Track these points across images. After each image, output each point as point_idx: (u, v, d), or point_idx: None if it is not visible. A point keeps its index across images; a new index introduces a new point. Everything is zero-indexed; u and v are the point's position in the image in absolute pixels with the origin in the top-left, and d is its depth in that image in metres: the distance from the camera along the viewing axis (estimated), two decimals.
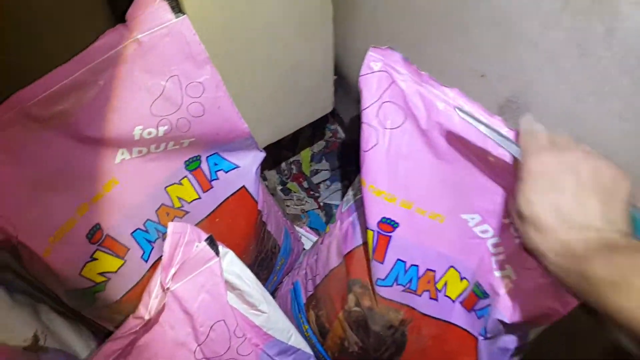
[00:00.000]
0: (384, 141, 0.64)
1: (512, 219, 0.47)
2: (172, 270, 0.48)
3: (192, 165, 0.74)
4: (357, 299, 0.80)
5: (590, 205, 0.41)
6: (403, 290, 0.76)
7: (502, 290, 0.66)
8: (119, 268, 0.70)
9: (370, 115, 0.63)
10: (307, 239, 1.18)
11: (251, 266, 0.90)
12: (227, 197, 0.79)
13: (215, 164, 0.76)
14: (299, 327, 1.00)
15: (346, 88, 1.00)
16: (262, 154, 0.80)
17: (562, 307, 0.58)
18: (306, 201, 1.22)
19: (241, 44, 0.71)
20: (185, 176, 0.74)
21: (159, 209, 0.73)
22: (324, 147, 1.29)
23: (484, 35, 0.60)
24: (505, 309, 0.65)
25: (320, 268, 0.93)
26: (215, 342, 0.52)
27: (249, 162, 0.79)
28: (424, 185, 0.66)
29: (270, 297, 0.60)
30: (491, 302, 0.69)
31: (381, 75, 0.60)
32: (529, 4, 0.54)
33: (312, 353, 0.69)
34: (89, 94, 0.58)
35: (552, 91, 0.55)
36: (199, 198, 0.76)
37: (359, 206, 0.79)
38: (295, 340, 0.65)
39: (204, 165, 0.75)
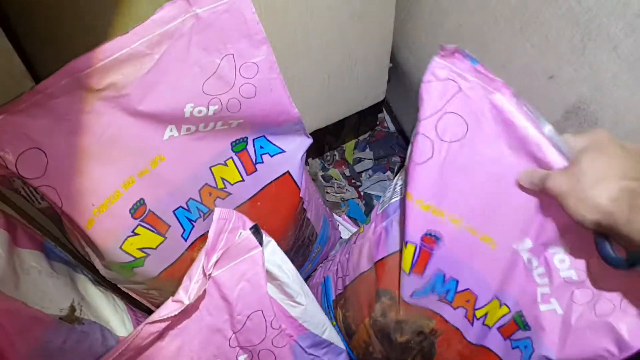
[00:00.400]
0: (440, 154, 0.59)
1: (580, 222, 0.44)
2: (215, 257, 0.47)
3: (239, 146, 0.73)
4: (385, 310, 0.77)
5: None
6: (439, 300, 0.73)
7: (548, 325, 0.63)
8: (158, 245, 0.70)
9: (428, 126, 0.58)
10: (345, 228, 1.16)
11: (288, 252, 0.90)
12: (271, 182, 0.78)
13: (262, 147, 0.75)
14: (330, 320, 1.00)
15: (400, 77, 0.96)
16: (309, 140, 0.78)
17: (619, 350, 0.54)
18: (347, 189, 1.20)
19: (298, 26, 0.69)
20: (231, 157, 0.73)
21: (202, 188, 0.72)
22: (369, 136, 1.26)
23: (560, 33, 0.56)
24: (552, 345, 0.62)
25: (350, 269, 0.91)
26: (251, 332, 0.51)
27: (296, 147, 0.77)
28: (478, 203, 0.61)
29: (308, 290, 0.58)
30: (532, 336, 0.65)
31: (446, 84, 0.55)
32: (616, 4, 0.50)
33: (344, 348, 0.67)
34: (144, 68, 0.57)
35: (627, 101, 0.51)
36: (242, 180, 0.75)
37: (395, 211, 0.75)
38: (330, 334, 0.63)
39: (250, 148, 0.74)
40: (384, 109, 1.26)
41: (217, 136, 0.69)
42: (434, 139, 0.58)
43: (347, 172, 1.22)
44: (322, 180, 1.20)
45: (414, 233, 0.66)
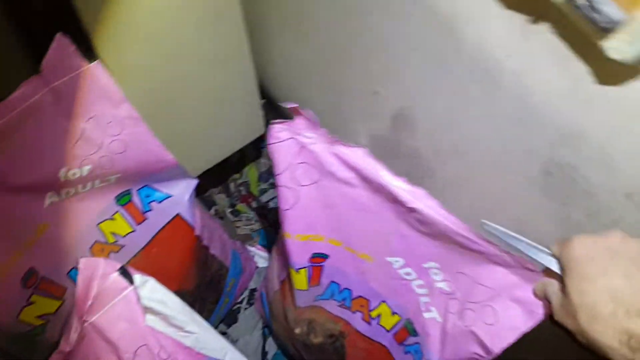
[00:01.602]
0: (303, 197, 0.66)
1: (562, 321, 0.43)
2: (89, 303, 0.52)
3: (123, 199, 0.77)
4: (293, 321, 0.84)
5: None
6: (339, 305, 0.80)
7: (431, 331, 0.70)
8: (57, 309, 0.72)
9: (285, 179, 0.65)
10: (260, 257, 1.21)
11: (196, 289, 0.94)
12: (163, 227, 0.82)
13: (147, 196, 0.79)
14: (271, 331, 1.04)
15: (278, 109, 1.04)
16: (194, 181, 0.83)
17: (486, 353, 0.61)
18: (255, 221, 1.25)
19: (160, 79, 0.75)
20: (117, 211, 0.77)
21: (92, 246, 0.76)
22: (269, 167, 1.33)
23: (373, 59, 0.65)
24: (436, 350, 0.69)
25: (269, 286, 0.97)
26: None
27: (181, 190, 0.82)
28: (349, 230, 0.68)
29: (201, 319, 0.63)
30: (420, 341, 0.72)
31: (290, 142, 0.62)
32: (399, 31, 0.60)
33: None
34: (11, 144, 0.61)
35: (429, 103, 0.61)
36: (134, 231, 0.79)
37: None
38: (232, 357, 0.68)
39: (136, 199, 0.79)
40: None
41: (98, 194, 0.74)
42: (294, 187, 0.65)
43: (255, 204, 1.28)
44: (231, 216, 1.25)
45: (301, 260, 0.73)
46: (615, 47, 0.35)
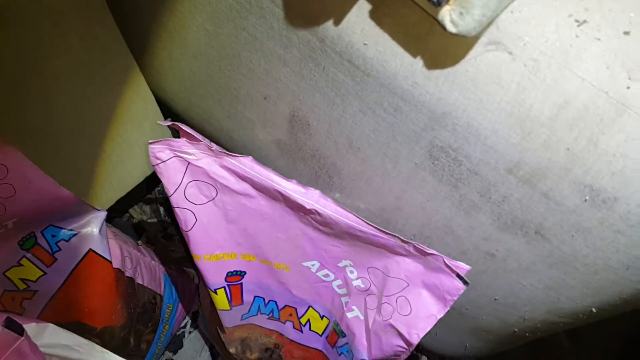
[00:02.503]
0: (203, 216, 0.64)
1: None
2: None
3: (28, 243, 0.73)
4: (226, 344, 0.82)
5: None
6: (268, 318, 0.78)
7: (356, 330, 0.70)
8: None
9: (179, 200, 0.62)
10: None
11: (128, 323, 0.90)
12: (76, 265, 0.78)
13: (53, 236, 0.75)
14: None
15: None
16: (102, 213, 0.79)
17: (407, 345, 0.61)
18: None
19: (48, 114, 0.71)
20: (23, 256, 0.73)
21: (1, 296, 0.72)
22: None
23: (254, 62, 0.64)
24: (363, 348, 0.69)
25: (204, 309, 0.94)
26: None
27: (89, 225, 0.78)
28: (259, 241, 0.67)
29: (113, 356, 0.60)
30: (349, 342, 0.72)
31: (174, 162, 0.59)
32: (270, 32, 0.59)
33: None
34: None
35: (314, 101, 0.60)
36: (45, 274, 0.75)
37: None
38: None
39: (41, 240, 0.74)
40: None
41: None
42: (190, 207, 0.63)
43: None
44: (164, 241, 1.21)
45: (217, 280, 0.71)
46: (450, 20, 0.35)
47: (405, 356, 0.63)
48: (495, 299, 0.61)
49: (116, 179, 0.87)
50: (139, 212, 1.24)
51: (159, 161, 0.59)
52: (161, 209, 1.26)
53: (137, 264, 0.93)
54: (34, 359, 0.50)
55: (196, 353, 1.09)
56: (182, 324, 1.12)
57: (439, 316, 0.56)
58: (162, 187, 1.26)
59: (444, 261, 0.53)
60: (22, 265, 0.73)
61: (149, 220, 1.24)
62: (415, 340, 0.59)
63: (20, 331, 0.49)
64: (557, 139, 0.40)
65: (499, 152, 0.44)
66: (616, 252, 0.43)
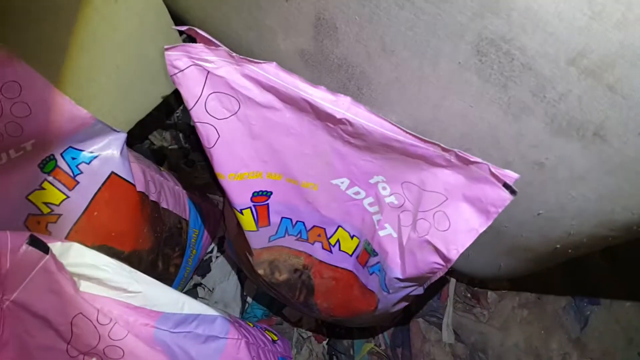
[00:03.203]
0: (226, 131, 0.59)
1: None
2: (3, 281, 0.47)
3: (48, 166, 0.71)
4: (254, 266, 0.80)
5: None
6: (296, 240, 0.76)
7: (389, 248, 0.67)
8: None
9: (199, 113, 0.58)
10: None
11: (155, 247, 0.90)
12: (99, 188, 0.76)
13: (73, 158, 0.73)
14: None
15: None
16: (122, 135, 0.76)
17: (444, 262, 0.58)
18: None
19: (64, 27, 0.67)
20: (45, 179, 0.71)
21: (26, 220, 0.71)
22: None
23: None
24: (396, 266, 0.66)
25: (230, 232, 0.93)
26: (83, 336, 0.51)
27: (110, 147, 0.76)
28: (285, 159, 0.63)
29: (142, 275, 0.59)
30: (380, 261, 0.69)
31: (192, 71, 0.55)
32: None
33: (217, 314, 0.68)
34: None
35: (346, 2, 0.54)
36: (68, 197, 0.73)
37: None
38: (191, 306, 0.64)
39: (62, 163, 0.72)
40: None
41: (17, 166, 0.67)
42: (211, 122, 0.58)
43: None
44: (185, 167, 1.19)
45: (242, 200, 0.68)
46: None
47: (441, 273, 0.61)
48: (539, 214, 0.57)
49: (134, 100, 0.83)
50: (160, 139, 1.21)
51: (176, 70, 0.54)
52: (181, 135, 1.23)
53: (161, 188, 0.91)
54: (61, 277, 0.49)
55: (224, 276, 1.10)
56: (209, 249, 1.12)
57: (481, 230, 0.53)
58: (182, 112, 1.23)
59: (490, 169, 0.49)
60: (44, 188, 0.71)
61: (169, 147, 1.22)
62: (454, 256, 0.56)
63: (45, 249, 0.48)
64: (634, 17, 0.35)
65: (560, 40, 0.39)
66: None
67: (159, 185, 0.90)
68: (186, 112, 1.21)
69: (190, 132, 1.23)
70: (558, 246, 0.66)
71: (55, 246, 0.51)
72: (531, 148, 0.51)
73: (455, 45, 0.47)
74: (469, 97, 0.51)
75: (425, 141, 0.51)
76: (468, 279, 1.17)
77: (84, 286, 0.53)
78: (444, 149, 0.51)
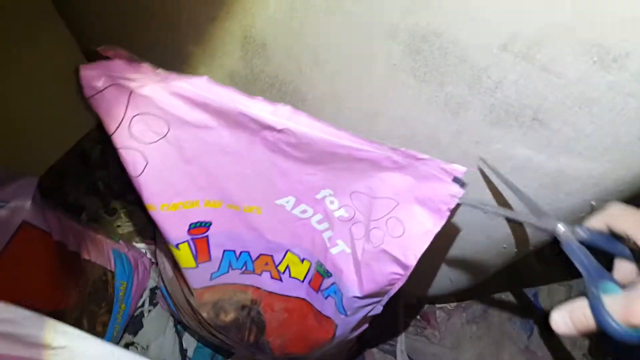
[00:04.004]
0: (154, 157, 0.54)
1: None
2: None
3: None
4: (197, 308, 0.74)
5: None
6: (241, 273, 0.71)
7: (344, 266, 0.64)
8: None
9: (123, 139, 0.52)
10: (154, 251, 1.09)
11: (78, 304, 0.80)
12: (9, 241, 0.67)
13: None
14: (185, 325, 0.93)
15: None
16: (34, 180, 0.69)
17: (403, 269, 0.56)
18: (138, 214, 1.12)
19: None
20: None
21: None
22: None
23: None
24: (353, 284, 0.63)
25: (164, 277, 0.86)
26: None
27: (19, 193, 0.68)
28: (223, 182, 0.59)
29: (67, 327, 0.51)
30: (336, 280, 0.66)
31: (111, 91, 0.49)
32: None
33: None
34: None
35: (269, 13, 0.52)
36: None
37: None
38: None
39: None
40: None
41: None
42: (137, 147, 0.53)
43: (133, 197, 1.14)
44: (107, 216, 1.10)
45: (178, 234, 0.63)
46: None
47: (401, 283, 0.58)
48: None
49: (45, 142, 0.76)
50: (74, 190, 1.11)
51: (94, 91, 0.49)
52: (99, 184, 1.14)
53: (81, 239, 0.83)
54: None
55: (159, 332, 1.01)
56: (140, 303, 1.02)
57: (436, 230, 0.52)
58: (99, 153, 1.14)
59: (439, 166, 0.48)
60: None
61: (86, 198, 1.12)
62: (412, 261, 0.54)
63: None
64: None
65: (492, 26, 0.40)
66: (626, 121, 0.40)
67: (78, 235, 0.82)
68: (104, 154, 1.14)
69: (109, 179, 1.14)
70: (505, 246, 0.66)
71: None
72: (473, 144, 0.52)
73: (389, 47, 0.47)
74: (406, 100, 0.51)
75: (371, 142, 0.49)
76: (416, 298, 1.17)
77: (3, 348, 0.45)
78: (391, 149, 0.50)
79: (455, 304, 1.19)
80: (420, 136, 0.55)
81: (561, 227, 0.43)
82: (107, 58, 0.53)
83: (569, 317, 0.37)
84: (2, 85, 0.67)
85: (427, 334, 1.15)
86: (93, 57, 0.79)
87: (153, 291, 1.04)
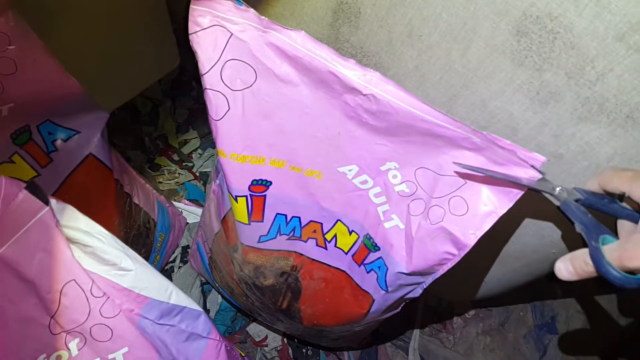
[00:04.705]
0: (237, 105, 0.56)
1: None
2: None
3: (22, 138, 0.64)
4: (240, 263, 0.75)
5: None
6: (288, 239, 0.72)
7: (395, 241, 0.64)
8: None
9: (213, 80, 0.54)
10: (190, 212, 1.10)
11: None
12: (74, 169, 0.69)
13: (50, 133, 0.66)
14: (213, 284, 0.94)
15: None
16: (105, 114, 0.71)
17: (459, 250, 0.56)
18: (179, 173, 1.14)
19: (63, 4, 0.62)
20: (16, 152, 0.64)
21: None
22: (188, 116, 1.21)
23: None
24: (402, 259, 0.63)
25: (207, 232, 0.87)
26: (71, 309, 0.44)
27: (91, 125, 0.70)
28: (293, 142, 0.60)
29: (135, 253, 0.53)
30: (383, 255, 0.67)
31: (214, 31, 0.51)
32: None
33: (201, 310, 0.62)
34: None
35: None
36: (39, 175, 0.66)
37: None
38: (178, 298, 0.58)
39: (37, 137, 0.65)
40: (194, 85, 1.22)
41: None
42: (224, 91, 0.55)
43: (176, 157, 1.16)
44: (150, 171, 1.12)
45: (239, 186, 0.64)
46: None
47: (451, 264, 0.59)
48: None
49: (121, 80, 0.78)
50: (122, 141, 1.14)
51: (197, 28, 0.51)
52: (145, 140, 1.16)
53: (132, 182, 0.85)
54: (58, 235, 0.43)
55: (186, 289, 1.02)
56: (172, 258, 1.04)
57: (501, 213, 0.52)
58: (150, 110, 1.17)
59: (519, 153, 0.49)
60: (13, 162, 0.64)
61: (132, 151, 1.14)
62: (472, 241, 0.54)
63: (45, 200, 0.42)
64: None
65: (614, 13, 0.40)
66: None
67: (131, 178, 0.84)
68: (154, 111, 1.16)
69: (156, 136, 1.17)
70: (554, 251, 0.67)
71: (52, 202, 0.44)
72: (552, 138, 0.52)
73: (495, 26, 0.48)
74: (495, 84, 0.52)
75: (455, 120, 0.50)
76: (436, 301, 1.17)
77: (76, 254, 0.46)
78: (473, 130, 0.50)
79: (473, 312, 1.19)
80: (498, 124, 0.56)
81: (559, 189, 0.47)
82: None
83: (571, 265, 0.42)
84: (86, 20, 0.68)
85: (441, 337, 1.15)
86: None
87: (185, 249, 1.06)
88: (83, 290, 0.44)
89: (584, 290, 1.23)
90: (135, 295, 0.53)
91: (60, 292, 0.43)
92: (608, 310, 1.22)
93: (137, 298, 0.54)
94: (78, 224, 0.47)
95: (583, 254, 0.41)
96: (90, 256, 0.48)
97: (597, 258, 0.39)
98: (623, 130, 0.47)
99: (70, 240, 0.46)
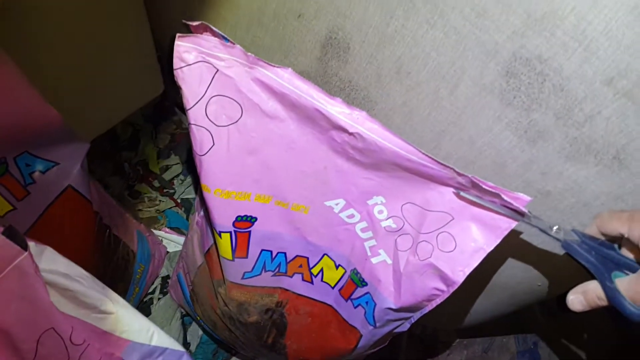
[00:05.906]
0: (222, 141, 0.55)
1: None
2: None
3: None
4: (224, 299, 0.74)
5: None
6: (273, 275, 0.71)
7: (382, 276, 0.64)
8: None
9: (197, 116, 0.53)
10: (170, 241, 1.08)
11: (101, 278, 0.79)
12: (52, 202, 0.67)
13: (28, 165, 0.64)
14: (194, 317, 0.91)
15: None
16: (86, 145, 0.69)
17: (447, 287, 0.56)
18: (160, 200, 1.11)
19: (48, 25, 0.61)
20: None
21: None
22: (170, 141, 1.19)
23: None
24: (390, 295, 0.63)
25: (190, 264, 0.85)
26: (49, 358, 0.42)
27: (70, 156, 0.68)
28: (279, 177, 0.60)
29: (116, 295, 0.51)
30: (370, 290, 0.66)
31: (200, 67, 0.51)
32: None
33: (183, 350, 0.60)
34: None
35: (365, 17, 0.54)
36: (14, 209, 0.63)
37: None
38: (159, 339, 0.56)
39: (13, 169, 0.63)
40: (177, 110, 1.21)
41: None
42: (208, 127, 0.55)
43: (157, 183, 1.14)
44: (130, 199, 1.09)
45: (223, 222, 0.63)
46: None
47: (440, 300, 0.58)
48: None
49: (99, 110, 0.76)
50: (101, 168, 1.11)
51: (183, 64, 0.51)
52: (125, 165, 1.14)
53: (112, 213, 0.82)
54: (37, 281, 0.41)
55: (165, 321, 0.99)
56: (151, 289, 1.01)
57: (489, 249, 0.52)
58: (129, 136, 1.15)
59: (504, 195, 0.48)
60: None
61: (110, 177, 1.12)
62: (460, 278, 0.54)
63: (24, 244, 0.40)
64: None
65: (602, 59, 0.41)
66: None
67: (110, 209, 0.82)
68: (134, 137, 1.14)
69: (136, 162, 1.14)
70: (539, 284, 0.67)
71: (30, 245, 0.42)
72: (540, 176, 0.53)
73: (483, 66, 0.48)
74: (483, 122, 0.52)
75: (439, 163, 0.50)
76: (421, 328, 1.16)
77: (54, 299, 0.44)
78: (458, 174, 0.50)
79: (457, 340, 1.19)
80: (486, 160, 0.56)
81: (555, 227, 0.47)
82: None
83: (584, 298, 0.44)
84: (67, 48, 0.67)
85: None
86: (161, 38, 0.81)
87: (165, 280, 1.03)
88: (62, 339, 0.42)
89: (566, 318, 1.24)
90: (116, 338, 0.51)
91: (37, 342, 0.41)
92: (590, 337, 1.23)
93: (117, 341, 0.52)
94: (57, 267, 0.45)
95: (595, 288, 0.43)
96: (70, 300, 0.46)
97: (616, 299, 0.40)
98: (610, 171, 0.47)
99: (48, 284, 0.44)
